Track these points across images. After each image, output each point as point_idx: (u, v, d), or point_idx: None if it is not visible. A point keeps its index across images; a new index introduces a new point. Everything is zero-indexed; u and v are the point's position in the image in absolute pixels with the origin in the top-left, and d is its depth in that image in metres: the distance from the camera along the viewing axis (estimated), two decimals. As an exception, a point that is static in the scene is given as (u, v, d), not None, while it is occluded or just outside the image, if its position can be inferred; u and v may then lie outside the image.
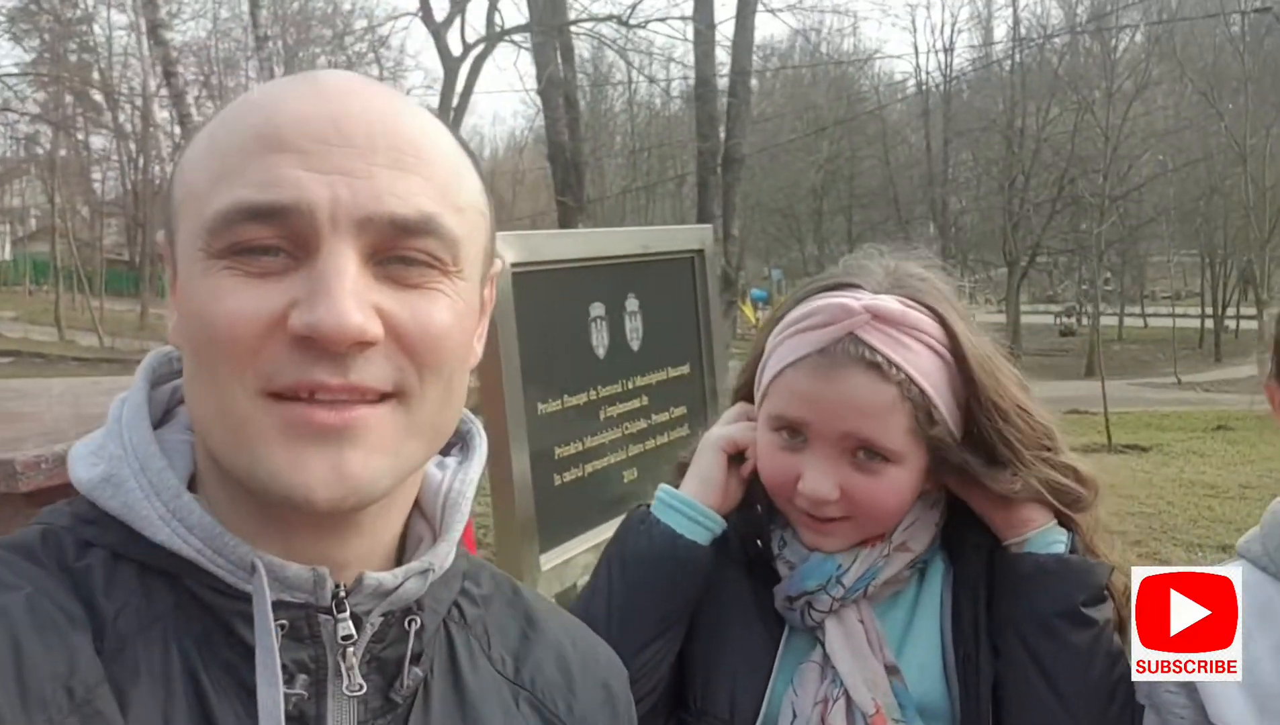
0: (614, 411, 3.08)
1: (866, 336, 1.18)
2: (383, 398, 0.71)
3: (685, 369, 3.30)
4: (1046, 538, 1.25)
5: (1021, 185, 29.64)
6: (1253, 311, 29.29)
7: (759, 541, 1.33)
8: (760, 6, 17.19)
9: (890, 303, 1.21)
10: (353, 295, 0.68)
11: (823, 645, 1.25)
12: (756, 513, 1.34)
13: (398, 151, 0.72)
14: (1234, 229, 29.94)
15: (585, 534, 2.79)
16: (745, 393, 1.37)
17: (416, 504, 0.84)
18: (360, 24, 27.31)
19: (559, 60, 15.39)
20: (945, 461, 1.24)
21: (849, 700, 1.22)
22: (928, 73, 36.65)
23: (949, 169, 32.32)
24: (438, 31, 18.77)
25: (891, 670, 1.23)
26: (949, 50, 40.46)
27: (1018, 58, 32.44)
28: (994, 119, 31.45)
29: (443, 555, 0.81)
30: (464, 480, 0.84)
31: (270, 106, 0.73)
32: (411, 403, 0.72)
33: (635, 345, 3.15)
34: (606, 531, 2.74)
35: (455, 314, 0.74)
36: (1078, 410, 14.97)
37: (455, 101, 18.06)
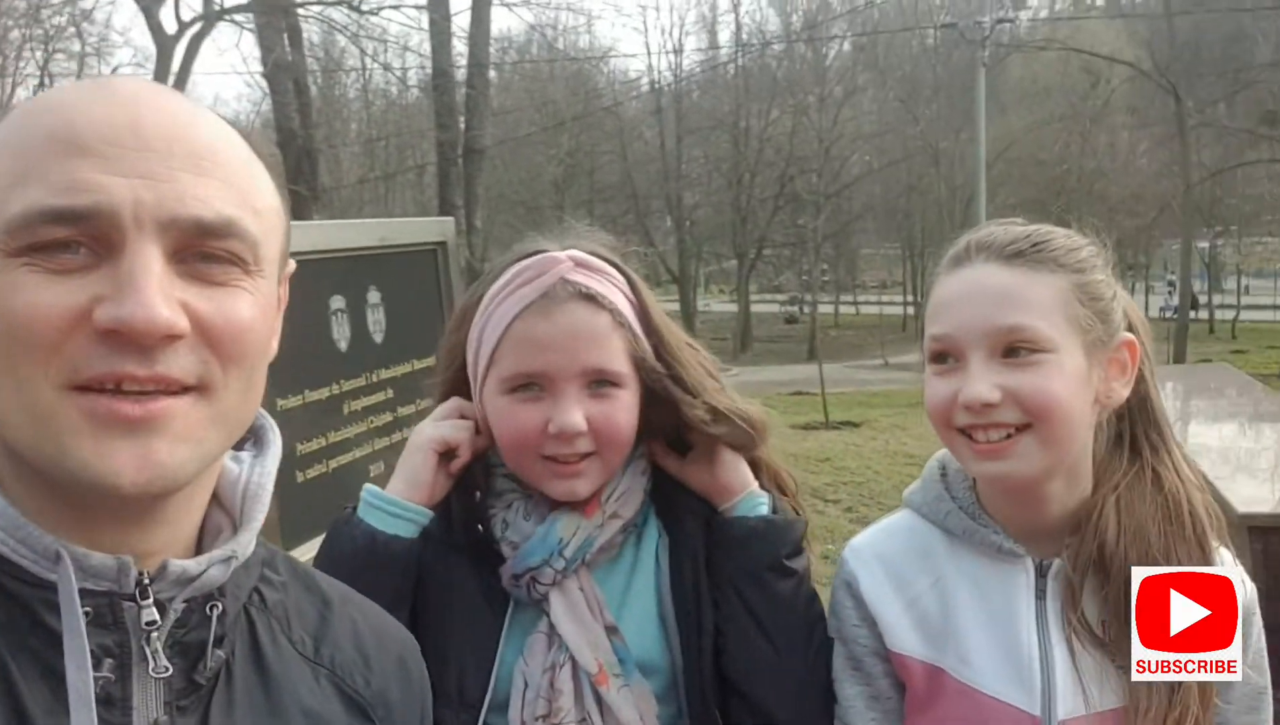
0: (358, 405, 3.05)
1: (574, 277, 1.34)
2: (186, 389, 0.73)
3: (430, 361, 3.31)
4: (752, 502, 1.41)
5: (748, 182, 31.33)
6: (947, 299, 32.43)
7: (480, 526, 1.39)
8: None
9: (584, 254, 1.38)
10: (160, 291, 0.70)
11: (548, 616, 1.34)
12: (475, 499, 1.41)
13: (196, 156, 0.74)
14: (930, 223, 33.07)
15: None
16: (453, 386, 1.43)
17: (214, 496, 0.86)
18: (56, -7, 24.70)
19: (286, 44, 14.66)
20: (653, 392, 1.38)
21: (574, 663, 1.31)
22: (660, 72, 37.99)
23: (682, 165, 33.63)
24: (149, 7, 17.36)
25: (611, 630, 1.33)
26: (678, 52, 42.12)
27: (741, 61, 34.28)
28: (721, 119, 33.01)
29: (245, 544, 0.84)
30: (262, 472, 0.87)
31: (65, 111, 0.73)
32: (214, 394, 0.75)
33: (378, 338, 3.13)
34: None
35: (257, 310, 0.77)
36: (801, 392, 16.10)
37: (170, 82, 16.79)
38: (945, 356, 1.29)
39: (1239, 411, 6.42)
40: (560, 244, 1.40)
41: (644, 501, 1.42)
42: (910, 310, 36.82)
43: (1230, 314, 31.64)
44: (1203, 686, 1.22)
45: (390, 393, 3.17)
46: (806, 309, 32.79)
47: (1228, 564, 1.30)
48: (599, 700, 1.30)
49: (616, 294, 1.37)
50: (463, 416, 1.40)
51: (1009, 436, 1.24)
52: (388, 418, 3.15)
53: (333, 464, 2.89)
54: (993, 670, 1.28)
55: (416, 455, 1.37)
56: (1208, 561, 1.26)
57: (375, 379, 3.11)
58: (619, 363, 1.34)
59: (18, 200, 0.71)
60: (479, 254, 16.13)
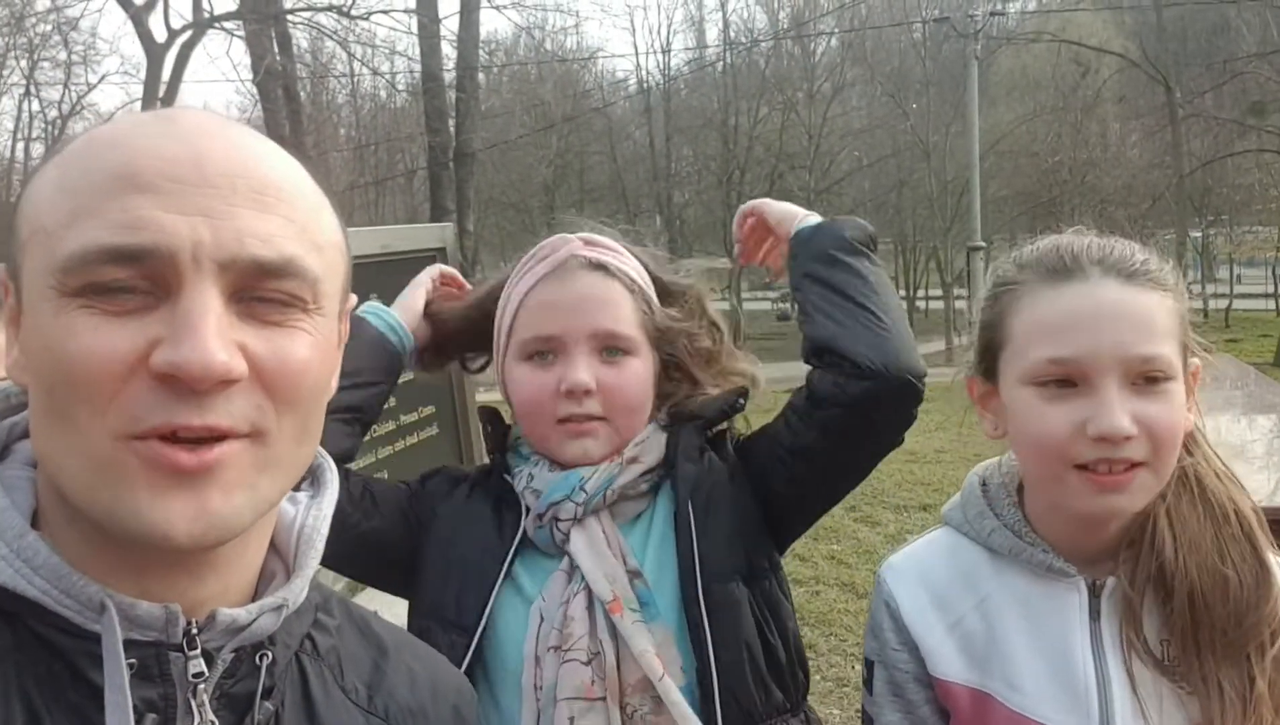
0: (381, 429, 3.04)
1: (586, 252, 1.44)
2: (240, 437, 0.71)
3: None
4: (809, 220, 1.57)
5: (738, 180, 31.33)
6: (939, 293, 32.64)
7: (506, 475, 1.46)
8: (484, 2, 17.14)
9: (597, 236, 1.49)
10: (217, 334, 0.67)
11: (570, 556, 1.36)
12: (502, 458, 1.49)
13: (258, 192, 0.71)
14: (920, 218, 33.11)
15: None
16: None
17: (271, 541, 0.83)
18: (43, 2, 24.64)
19: (276, 50, 14.64)
20: (666, 361, 1.49)
21: (589, 593, 1.32)
22: (648, 71, 38.07)
23: (672, 164, 33.64)
24: (138, 16, 17.31)
25: (634, 574, 1.34)
26: (666, 51, 42.22)
27: (729, 59, 34.28)
28: (710, 117, 33.02)
29: (297, 591, 0.81)
30: (317, 516, 0.85)
31: (126, 145, 0.70)
32: (268, 439, 0.72)
33: (379, 346, 3.13)
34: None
35: (316, 351, 0.74)
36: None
37: (162, 91, 16.74)
38: (1068, 381, 1.18)
39: (1233, 401, 6.43)
40: (576, 234, 1.49)
41: (663, 456, 1.44)
42: (904, 305, 36.84)
43: (1223, 303, 31.77)
44: (1275, 696, 1.18)
45: (392, 401, 3.15)
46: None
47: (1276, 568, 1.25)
48: (613, 632, 1.30)
49: (626, 266, 1.46)
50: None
51: (1129, 469, 1.17)
52: (390, 427, 3.14)
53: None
54: (1045, 696, 1.22)
55: (415, 288, 1.60)
56: (1261, 560, 1.21)
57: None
58: (629, 328, 1.42)
59: (75, 238, 0.68)
60: (471, 257, 16.12)
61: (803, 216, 1.58)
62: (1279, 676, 1.20)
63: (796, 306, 1.52)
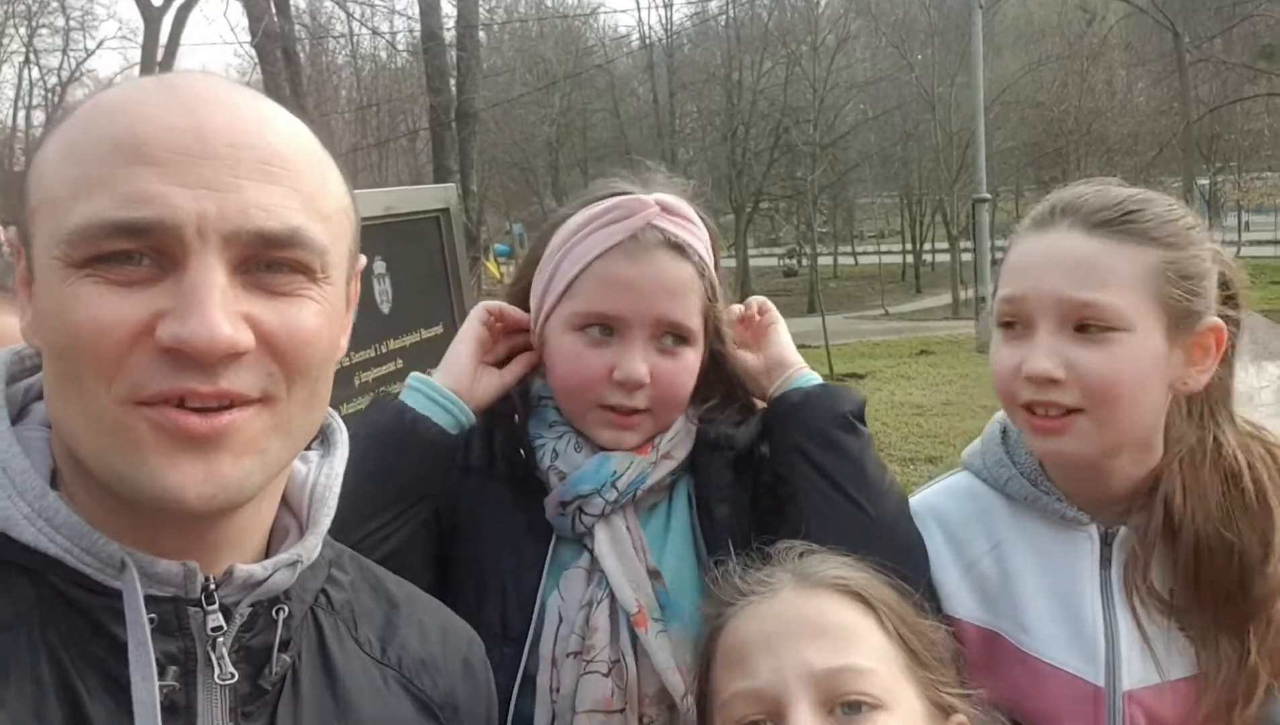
0: (368, 376, 3.05)
1: (662, 223, 1.31)
2: (250, 402, 0.72)
3: (439, 329, 3.32)
4: (806, 378, 1.41)
5: (742, 135, 31.05)
6: (946, 246, 32.47)
7: (521, 451, 1.37)
8: (483, -42, 16.93)
9: (671, 198, 1.35)
10: (223, 308, 0.68)
11: (590, 552, 1.32)
12: (516, 425, 1.38)
13: (263, 163, 0.72)
14: (926, 171, 32.81)
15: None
16: (514, 301, 1.42)
17: (284, 497, 0.85)
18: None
19: (273, 11, 14.49)
20: (714, 349, 1.39)
21: (613, 601, 1.29)
22: (650, 27, 37.57)
23: (676, 121, 33.33)
24: (132, -21, 17.12)
25: (653, 574, 1.32)
26: (669, 5, 41.64)
27: (732, 13, 33.82)
28: (713, 72, 32.66)
29: (311, 547, 0.83)
30: (329, 474, 0.86)
31: (130, 115, 0.71)
32: (278, 405, 0.74)
33: (385, 308, 3.13)
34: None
35: (323, 318, 0.75)
36: (804, 345, 15.95)
37: (159, 56, 16.61)
38: (1014, 322, 1.23)
39: (1241, 349, 6.41)
40: (644, 188, 1.37)
41: (691, 449, 1.40)
42: (909, 259, 36.68)
43: (1231, 251, 31.40)
44: (1274, 652, 1.21)
45: (400, 363, 3.17)
46: (805, 261, 32.67)
47: None
48: (634, 642, 1.28)
49: (700, 245, 1.35)
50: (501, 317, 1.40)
51: (1067, 414, 1.19)
52: (398, 388, 3.15)
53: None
54: (1054, 638, 1.25)
55: (459, 345, 1.37)
56: (1270, 528, 1.22)
57: (384, 350, 3.11)
58: (694, 319, 1.34)
59: (80, 211, 0.69)
60: (475, 218, 16.07)
61: (797, 369, 1.42)
62: (1277, 644, 1.22)
63: (779, 482, 1.37)
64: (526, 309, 1.41)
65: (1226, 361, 1.28)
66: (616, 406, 1.32)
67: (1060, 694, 1.25)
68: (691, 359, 1.34)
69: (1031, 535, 1.30)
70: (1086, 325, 1.18)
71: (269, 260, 0.73)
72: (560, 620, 1.30)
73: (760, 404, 1.45)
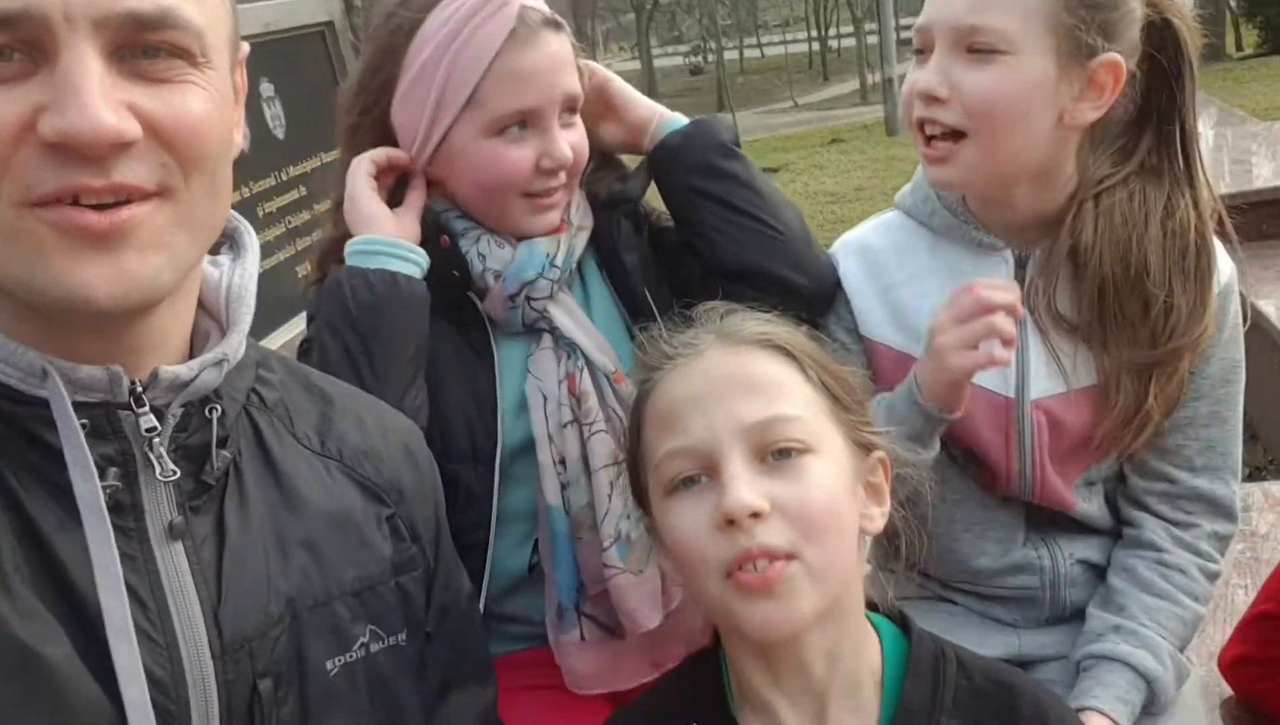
0: (272, 207, 2.95)
1: (529, 2, 1.29)
2: (148, 196, 0.71)
3: (339, 152, 3.19)
4: (673, 121, 1.45)
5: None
6: (850, 30, 31.86)
7: (456, 272, 1.35)
8: None
9: None
10: (102, 95, 0.67)
11: (550, 333, 1.36)
12: (446, 245, 1.35)
13: None
14: (829, -48, 31.82)
15: (270, 336, 2.73)
16: (373, 131, 1.35)
17: (199, 302, 0.85)
18: None
19: None
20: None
21: (590, 367, 1.35)
22: None
23: (564, -87, 31.50)
24: None
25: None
26: None
27: None
28: None
29: (235, 345, 0.83)
30: (244, 274, 0.87)
31: None
32: (178, 197, 0.73)
33: (280, 134, 3.00)
34: (289, 332, 2.69)
35: (211, 104, 0.74)
36: (715, 144, 15.73)
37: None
38: (922, 50, 1.27)
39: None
40: None
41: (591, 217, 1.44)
42: (816, 46, 36.02)
43: None
44: (1176, 362, 1.28)
45: (303, 190, 3.06)
46: (710, 57, 31.87)
47: (1223, 272, 1.31)
48: (618, 398, 1.35)
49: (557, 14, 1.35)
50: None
51: (953, 138, 1.24)
52: (305, 216, 3.05)
53: (260, 268, 2.82)
54: None
55: (365, 203, 1.31)
56: (1204, 301, 1.28)
57: (285, 177, 3.00)
58: (578, 86, 1.34)
59: None
60: (360, 33, 15.17)
61: (661, 117, 1.44)
62: (1175, 394, 1.30)
63: (681, 224, 1.42)
64: (382, 134, 1.34)
65: (1186, 129, 1.29)
66: (538, 191, 1.32)
67: (976, 408, 1.31)
68: (579, 124, 1.37)
69: (951, 263, 1.36)
70: (976, 48, 1.21)
71: (145, 45, 0.70)
72: (545, 398, 1.34)
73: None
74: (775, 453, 0.88)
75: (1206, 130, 5.67)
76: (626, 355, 1.38)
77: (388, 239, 1.29)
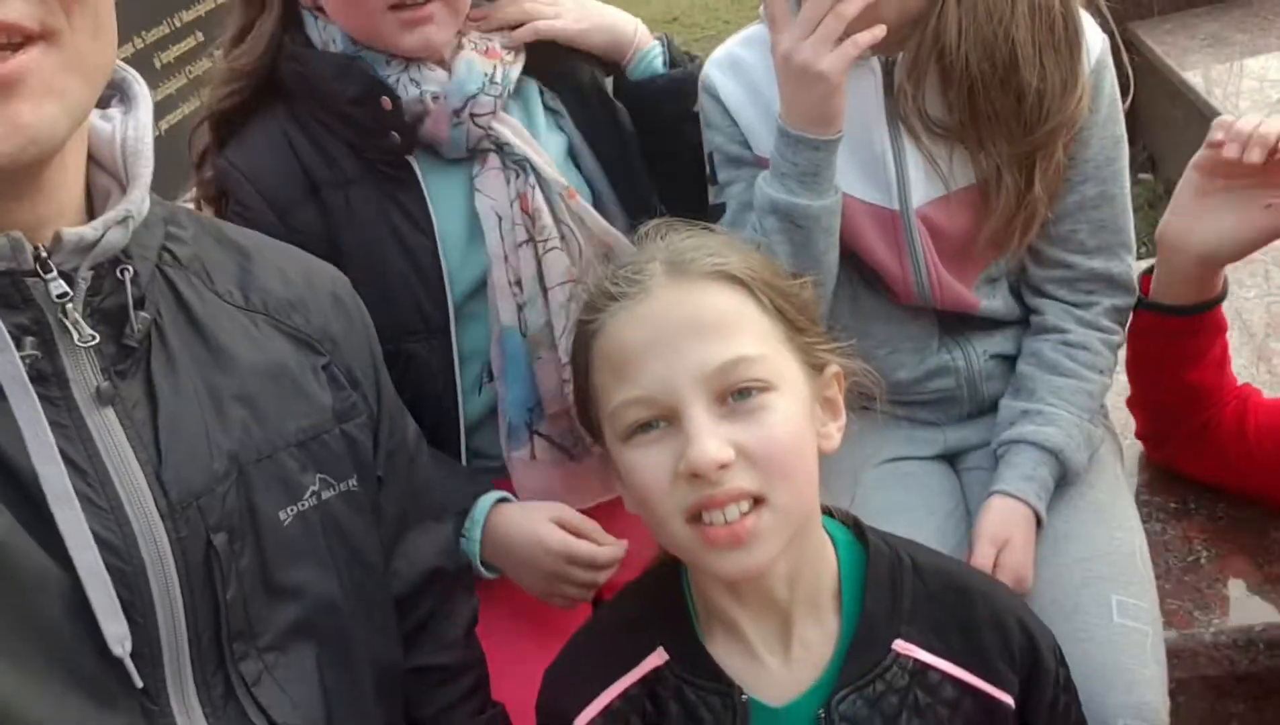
0: (168, 57, 2.81)
1: None
2: (31, 39, 0.69)
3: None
4: (647, 60, 1.45)
5: None
6: None
7: (397, 135, 1.30)
8: None
9: None
10: None
11: (496, 152, 1.34)
12: (389, 107, 1.29)
13: None
14: None
15: (181, 198, 2.63)
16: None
17: (94, 159, 0.82)
18: None
19: None
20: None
21: (542, 183, 1.34)
22: None
23: None
24: None
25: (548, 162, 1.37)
26: None
27: None
28: None
29: (138, 201, 0.80)
30: (138, 125, 0.83)
31: None
32: (63, 39, 0.70)
33: (166, -25, 2.81)
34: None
35: None
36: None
37: None
38: None
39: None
40: None
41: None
42: None
43: None
44: (1053, 143, 1.28)
45: (200, 36, 2.91)
46: None
47: (1094, 48, 1.30)
48: (571, 215, 1.35)
49: None
50: None
51: None
52: (207, 64, 2.90)
53: (163, 125, 2.70)
54: (849, 173, 1.31)
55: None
56: (1075, 74, 1.26)
57: (179, 24, 2.84)
58: None
59: None
60: None
61: (636, 46, 1.46)
62: (1058, 178, 1.31)
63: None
64: None
65: None
66: (403, 3, 1.25)
67: (865, 224, 1.34)
68: None
69: None
70: None
71: None
72: (499, 218, 1.33)
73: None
74: (736, 394, 0.85)
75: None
76: (569, 167, 1.41)
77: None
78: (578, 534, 1.32)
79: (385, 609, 1.00)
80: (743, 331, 0.88)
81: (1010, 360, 1.44)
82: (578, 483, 1.40)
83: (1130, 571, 1.27)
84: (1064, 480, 1.35)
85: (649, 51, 1.46)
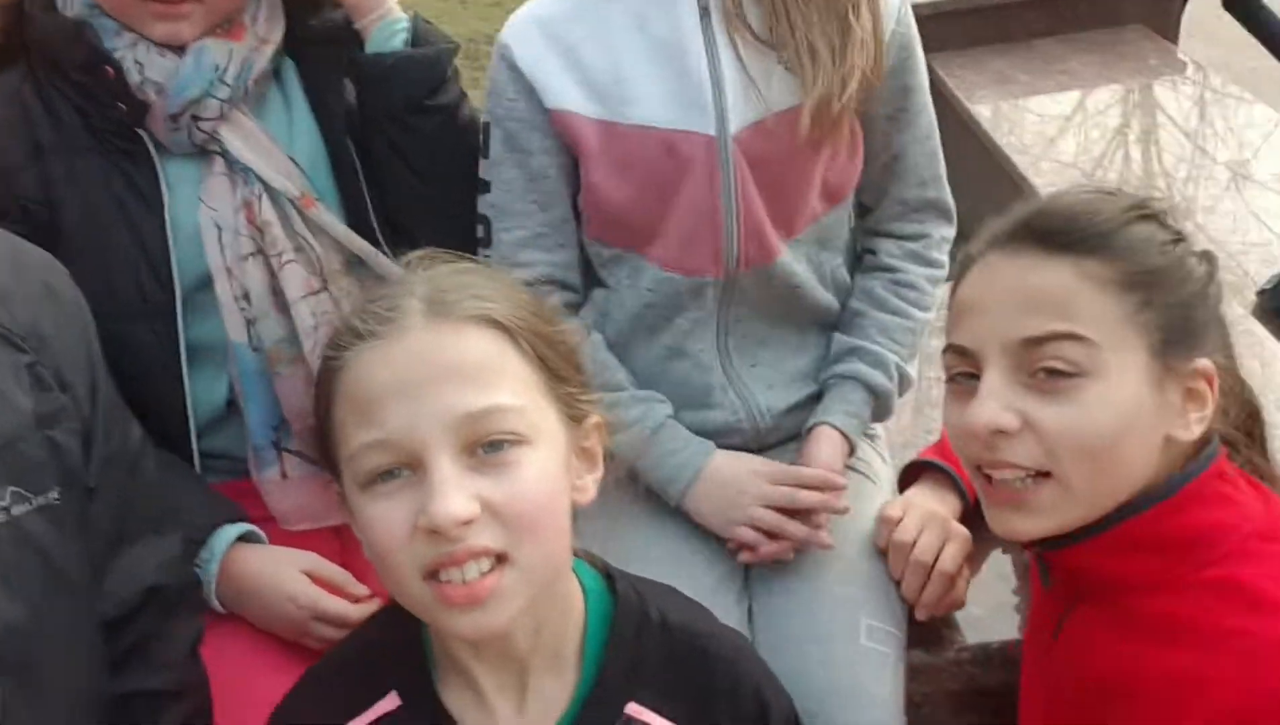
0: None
1: None
2: None
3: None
4: (388, 30, 1.30)
5: None
6: None
7: (123, 105, 1.21)
8: None
9: None
10: None
11: (223, 156, 1.25)
12: (112, 76, 1.20)
13: None
14: None
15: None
16: None
17: None
18: None
19: None
20: None
21: (270, 193, 1.25)
22: None
23: None
24: None
25: (294, 164, 1.28)
26: None
27: None
28: None
29: None
30: None
31: None
32: None
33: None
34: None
35: None
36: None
37: None
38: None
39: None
40: None
41: (284, 28, 1.31)
42: None
43: None
44: (873, 57, 1.27)
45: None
46: None
47: None
48: (308, 225, 1.27)
49: None
50: None
51: None
52: None
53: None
54: (665, 102, 1.27)
55: None
56: None
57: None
58: None
59: None
60: None
61: (379, 11, 1.30)
62: (876, 53, 1.28)
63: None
64: None
65: None
66: None
67: (680, 155, 1.28)
68: None
69: (633, 6, 1.30)
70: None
71: None
72: (220, 229, 1.24)
73: None
74: (486, 446, 0.80)
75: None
76: (325, 172, 1.31)
77: None
78: (329, 588, 1.21)
79: (90, 632, 0.91)
80: (501, 380, 0.82)
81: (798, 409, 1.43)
82: (333, 500, 1.32)
83: (882, 594, 1.31)
84: (875, 417, 1.43)
85: (395, 23, 1.31)
